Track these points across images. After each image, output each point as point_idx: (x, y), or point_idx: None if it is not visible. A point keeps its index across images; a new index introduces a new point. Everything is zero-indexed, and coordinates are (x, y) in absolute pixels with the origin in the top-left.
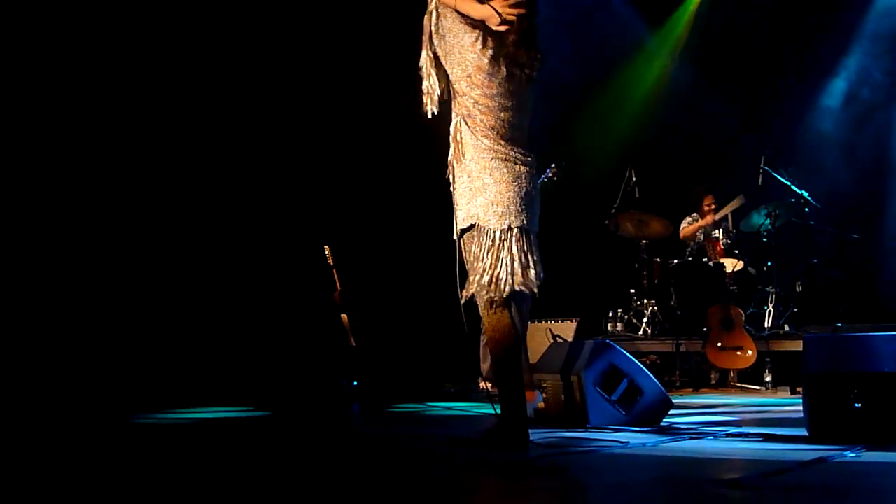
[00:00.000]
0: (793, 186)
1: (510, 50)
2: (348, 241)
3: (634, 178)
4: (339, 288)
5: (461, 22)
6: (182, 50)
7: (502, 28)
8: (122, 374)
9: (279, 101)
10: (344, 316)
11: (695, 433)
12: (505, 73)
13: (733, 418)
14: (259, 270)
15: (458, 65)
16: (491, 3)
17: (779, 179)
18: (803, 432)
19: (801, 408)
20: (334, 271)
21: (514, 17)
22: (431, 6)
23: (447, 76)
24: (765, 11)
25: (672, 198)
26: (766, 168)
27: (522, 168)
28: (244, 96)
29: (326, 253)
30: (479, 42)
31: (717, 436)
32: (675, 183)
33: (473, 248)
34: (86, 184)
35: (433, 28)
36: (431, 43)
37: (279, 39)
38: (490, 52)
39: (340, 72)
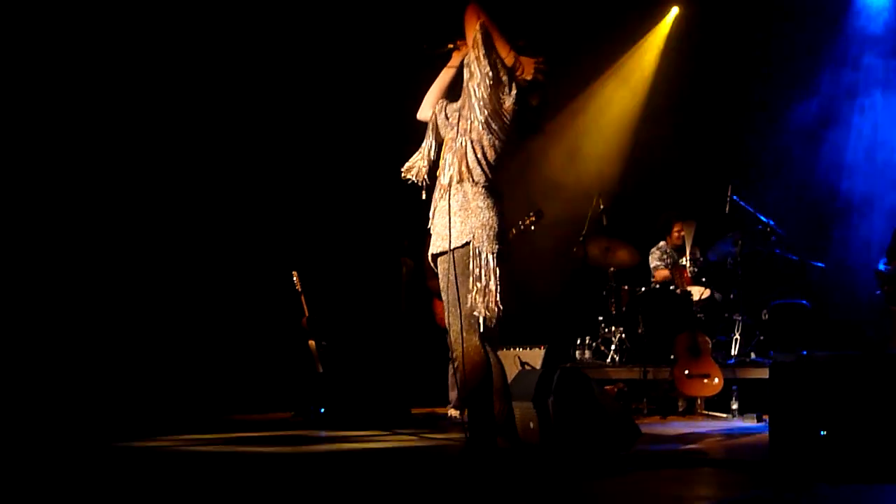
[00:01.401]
0: (759, 215)
1: (533, 110)
2: (316, 266)
3: (602, 206)
4: (306, 314)
5: (502, 66)
6: (146, 80)
7: (527, 76)
8: (86, 399)
9: (249, 127)
10: (311, 342)
11: (663, 461)
12: (518, 125)
13: (700, 446)
14: (227, 295)
15: (490, 97)
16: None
17: (745, 208)
18: (768, 460)
19: (766, 435)
20: (302, 297)
21: (540, 77)
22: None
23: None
24: (733, 37)
25: (639, 225)
26: (733, 196)
27: (501, 202)
28: (214, 124)
29: (294, 279)
30: (515, 91)
31: (683, 462)
32: (642, 210)
33: (466, 267)
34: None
35: (475, 56)
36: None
37: (243, 65)
38: (518, 104)
39: (309, 98)
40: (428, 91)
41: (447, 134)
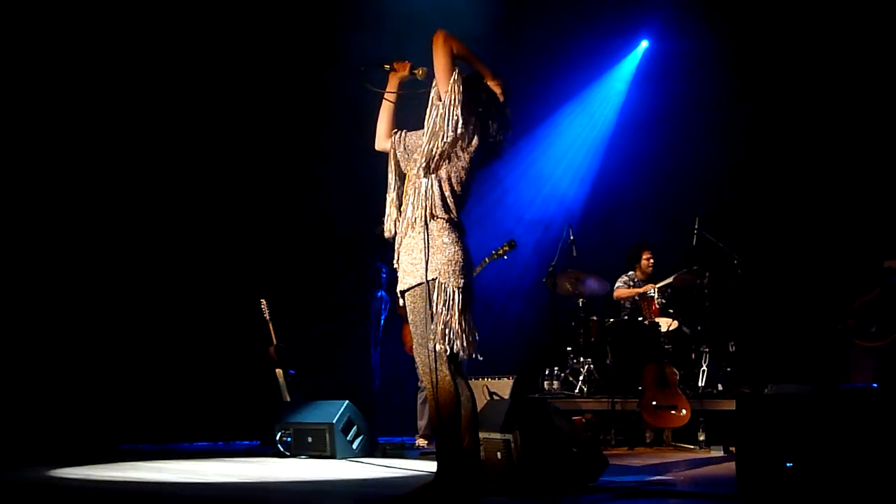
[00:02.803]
0: (726, 248)
1: (498, 151)
2: (285, 295)
3: (572, 237)
4: (274, 342)
5: (470, 106)
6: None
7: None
8: (57, 422)
9: (218, 155)
10: (278, 370)
11: (629, 492)
12: (481, 163)
13: (667, 477)
14: (195, 322)
15: (454, 130)
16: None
17: (712, 241)
18: (735, 492)
19: (733, 467)
20: (270, 325)
21: (502, 99)
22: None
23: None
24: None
25: (609, 257)
26: (701, 230)
27: (465, 235)
28: (182, 151)
29: (263, 307)
30: (480, 128)
31: (651, 493)
32: (612, 242)
33: (431, 302)
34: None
35: (450, 101)
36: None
37: (209, 89)
38: (482, 142)
39: (280, 127)
40: (378, 121)
41: (410, 169)
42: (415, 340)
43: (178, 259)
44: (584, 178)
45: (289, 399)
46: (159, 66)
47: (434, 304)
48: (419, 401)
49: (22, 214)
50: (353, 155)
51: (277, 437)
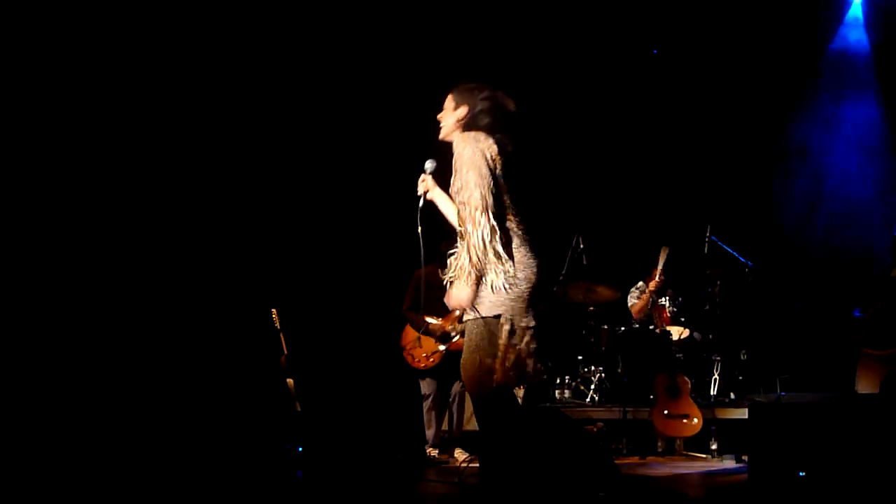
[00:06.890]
0: (738, 255)
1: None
2: (296, 304)
3: (582, 246)
4: (285, 352)
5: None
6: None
7: None
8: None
9: (228, 163)
10: (290, 380)
11: (642, 501)
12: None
13: (680, 486)
14: (205, 332)
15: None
16: None
17: (724, 248)
18: (748, 501)
19: (746, 476)
20: (281, 335)
21: None
22: None
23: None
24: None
25: (620, 265)
26: (712, 237)
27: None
28: (190, 156)
29: (273, 316)
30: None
31: (663, 503)
32: (622, 250)
33: (493, 336)
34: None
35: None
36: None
37: (222, 95)
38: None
39: (290, 132)
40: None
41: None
42: (475, 364)
43: (187, 267)
44: (593, 185)
45: (300, 409)
46: (171, 67)
47: (495, 338)
48: (426, 409)
49: (42, 234)
50: (371, 165)
51: (288, 448)
